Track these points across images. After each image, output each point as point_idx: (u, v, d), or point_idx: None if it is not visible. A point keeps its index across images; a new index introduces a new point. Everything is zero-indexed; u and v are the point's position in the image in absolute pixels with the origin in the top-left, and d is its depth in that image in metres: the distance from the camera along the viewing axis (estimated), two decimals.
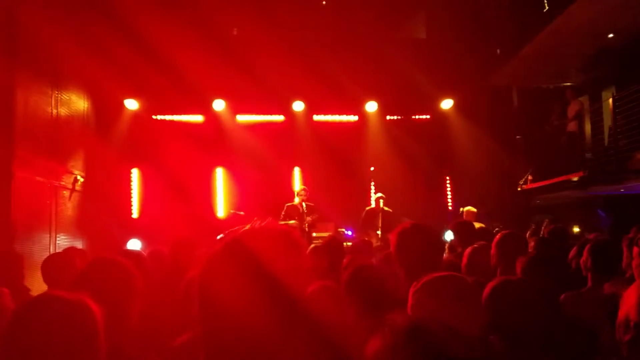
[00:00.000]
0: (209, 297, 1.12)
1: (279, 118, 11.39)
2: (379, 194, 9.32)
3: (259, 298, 1.08)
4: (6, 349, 1.47)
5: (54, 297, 1.58)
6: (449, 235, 6.42)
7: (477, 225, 7.10)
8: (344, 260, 3.64)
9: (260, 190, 10.49)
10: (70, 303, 1.53)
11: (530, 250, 3.91)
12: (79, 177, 9.10)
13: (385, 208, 9.11)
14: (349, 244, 6.76)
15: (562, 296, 3.15)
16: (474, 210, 8.58)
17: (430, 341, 0.97)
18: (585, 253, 3.48)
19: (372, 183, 11.17)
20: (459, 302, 1.85)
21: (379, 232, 8.81)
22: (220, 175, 11.29)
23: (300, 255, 1.19)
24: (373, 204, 9.75)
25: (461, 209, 8.77)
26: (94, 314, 1.54)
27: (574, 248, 4.23)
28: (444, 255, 4.26)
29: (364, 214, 9.28)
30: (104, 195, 9.70)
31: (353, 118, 11.57)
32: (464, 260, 3.67)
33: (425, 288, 1.93)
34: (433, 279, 1.96)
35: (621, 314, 1.66)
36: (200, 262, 1.17)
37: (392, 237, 2.78)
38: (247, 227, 1.19)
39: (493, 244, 3.49)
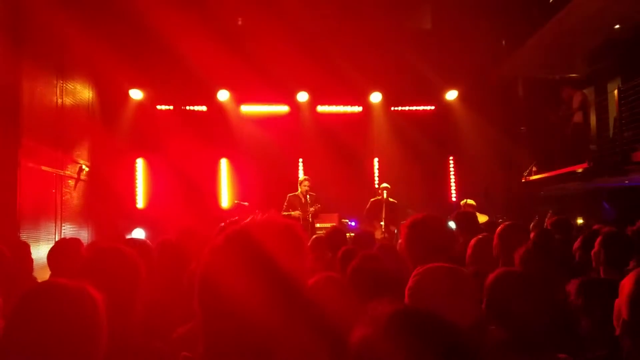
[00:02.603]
0: (210, 287, 1.13)
1: (283, 109, 11.38)
2: (384, 184, 9.27)
3: (260, 290, 1.09)
4: (9, 335, 1.49)
5: (55, 285, 1.60)
6: (451, 226, 6.42)
7: (483, 218, 7.09)
8: (339, 251, 3.65)
9: (264, 180, 10.51)
10: (71, 290, 1.54)
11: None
12: (84, 167, 9.14)
13: (390, 199, 9.08)
14: (352, 234, 6.76)
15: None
16: (474, 203, 8.57)
17: (412, 329, 0.96)
18: (597, 245, 3.42)
19: (377, 174, 11.16)
20: (455, 292, 1.89)
21: (382, 223, 8.79)
22: (224, 166, 11.31)
23: (302, 249, 1.20)
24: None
25: (461, 203, 8.77)
26: (95, 301, 1.55)
27: (579, 239, 4.22)
28: None
29: (368, 204, 9.22)
30: (109, 185, 9.75)
31: (357, 109, 11.55)
32: (468, 251, 3.68)
33: (427, 274, 1.98)
34: (435, 267, 2.00)
35: (616, 304, 1.66)
36: (202, 253, 1.18)
37: (402, 229, 2.79)
38: (249, 219, 1.20)
39: (495, 235, 3.51)
